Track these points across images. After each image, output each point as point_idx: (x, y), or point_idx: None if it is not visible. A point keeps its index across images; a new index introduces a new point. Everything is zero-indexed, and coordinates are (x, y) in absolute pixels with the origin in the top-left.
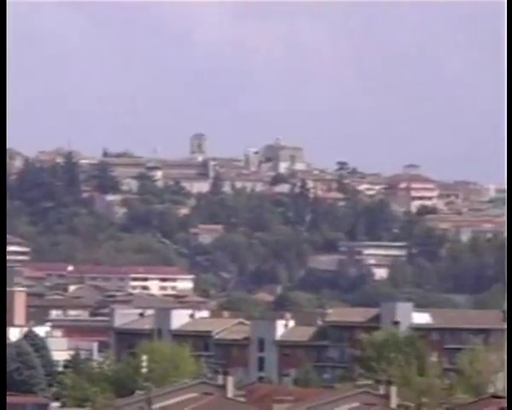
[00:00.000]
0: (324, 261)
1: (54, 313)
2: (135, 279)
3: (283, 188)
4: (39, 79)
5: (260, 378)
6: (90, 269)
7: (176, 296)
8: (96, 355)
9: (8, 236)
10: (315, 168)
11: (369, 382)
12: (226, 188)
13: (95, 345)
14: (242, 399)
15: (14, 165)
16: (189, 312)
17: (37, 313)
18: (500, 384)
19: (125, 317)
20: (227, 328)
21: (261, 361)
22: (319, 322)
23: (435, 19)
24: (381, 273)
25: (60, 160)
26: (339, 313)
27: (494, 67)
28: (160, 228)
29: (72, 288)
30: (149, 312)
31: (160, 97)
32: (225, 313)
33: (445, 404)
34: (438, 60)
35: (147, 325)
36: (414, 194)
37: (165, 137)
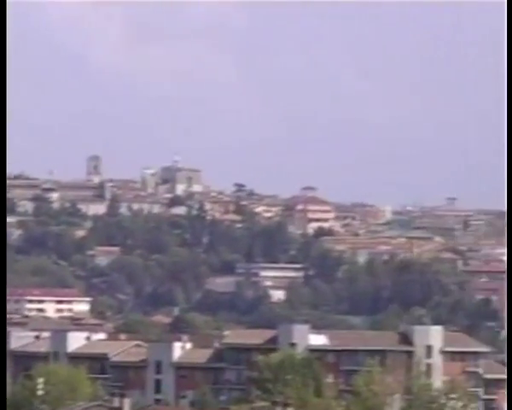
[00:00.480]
0: (221, 283)
1: None
2: (31, 301)
3: (180, 210)
4: None
5: (157, 401)
6: None
7: (72, 319)
8: None
9: None
10: (212, 190)
11: (266, 404)
12: (123, 210)
13: None
14: None
15: None
16: (86, 334)
17: None
18: (396, 406)
19: (20, 339)
20: (124, 350)
21: (158, 383)
22: (216, 344)
23: (338, 42)
24: (278, 295)
25: None
26: (236, 335)
27: (387, 82)
28: (56, 250)
29: None
30: (45, 334)
31: (56, 118)
32: (122, 336)
33: None
34: (335, 82)
35: (43, 347)
36: (311, 216)
37: (62, 158)
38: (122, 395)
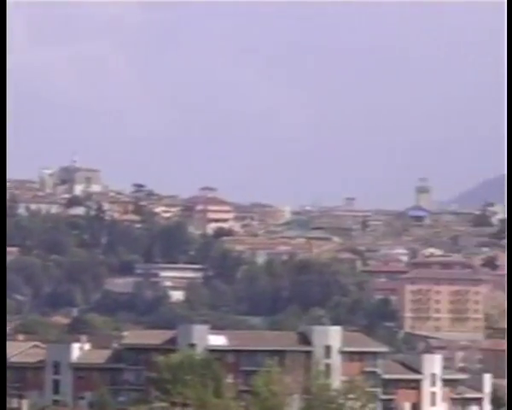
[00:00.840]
0: (120, 284)
1: None
2: None
3: (79, 210)
4: None
5: (55, 401)
6: None
7: None
8: None
9: None
10: (111, 190)
11: (165, 404)
12: (21, 210)
13: None
14: None
15: None
16: None
17: None
18: (295, 406)
19: None
20: (22, 351)
21: (56, 384)
22: (115, 345)
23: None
24: (177, 296)
25: None
26: (135, 336)
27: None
28: None
29: None
30: None
31: None
32: (20, 337)
33: None
34: (236, 82)
35: None
36: (210, 216)
37: None
38: (20, 396)
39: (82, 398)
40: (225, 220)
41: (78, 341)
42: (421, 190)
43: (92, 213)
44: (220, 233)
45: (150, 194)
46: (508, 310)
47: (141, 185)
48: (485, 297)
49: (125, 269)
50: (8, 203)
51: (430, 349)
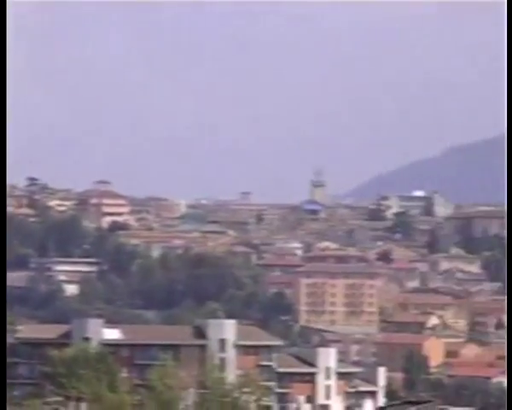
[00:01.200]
0: (14, 278)
1: None
2: None
3: None
4: None
5: None
6: None
7: None
8: None
9: None
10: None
11: (59, 398)
12: None
13: None
14: None
15: None
16: None
17: None
18: (190, 400)
19: None
20: None
21: None
22: (9, 339)
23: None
24: (71, 290)
25: None
26: (29, 330)
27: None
28: None
29: None
30: None
31: None
32: None
33: None
34: (128, 75)
35: None
36: (105, 210)
37: None
38: None
39: None
40: (120, 214)
41: None
42: (316, 185)
43: None
44: (115, 227)
45: (44, 188)
46: (508, 310)
47: (35, 179)
48: (380, 291)
49: (19, 263)
50: None
51: (325, 343)
